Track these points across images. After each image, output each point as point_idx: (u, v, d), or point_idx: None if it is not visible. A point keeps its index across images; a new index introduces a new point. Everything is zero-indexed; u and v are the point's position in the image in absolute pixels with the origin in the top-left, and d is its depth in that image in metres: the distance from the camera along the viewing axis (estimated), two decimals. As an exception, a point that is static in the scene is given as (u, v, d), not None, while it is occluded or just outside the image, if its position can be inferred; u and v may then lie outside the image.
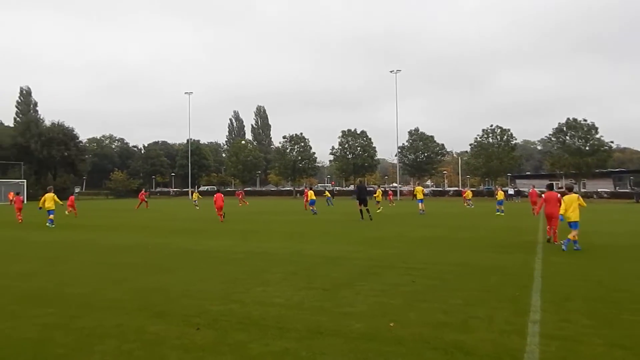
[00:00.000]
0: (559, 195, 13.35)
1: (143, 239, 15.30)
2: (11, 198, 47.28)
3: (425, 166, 79.09)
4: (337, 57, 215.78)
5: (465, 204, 40.14)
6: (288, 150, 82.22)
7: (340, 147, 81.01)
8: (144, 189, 50.29)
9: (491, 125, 72.77)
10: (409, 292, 7.28)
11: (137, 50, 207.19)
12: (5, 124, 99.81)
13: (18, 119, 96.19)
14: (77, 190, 67.92)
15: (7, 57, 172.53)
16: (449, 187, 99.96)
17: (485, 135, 73.31)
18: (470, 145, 76.79)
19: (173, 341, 5.04)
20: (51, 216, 21.07)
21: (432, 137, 79.43)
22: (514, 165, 74.44)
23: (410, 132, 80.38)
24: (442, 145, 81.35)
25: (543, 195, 14.35)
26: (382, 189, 41.73)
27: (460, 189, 79.18)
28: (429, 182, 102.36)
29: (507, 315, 5.96)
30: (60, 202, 23.15)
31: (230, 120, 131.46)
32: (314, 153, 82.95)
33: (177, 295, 7.14)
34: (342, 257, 10.94)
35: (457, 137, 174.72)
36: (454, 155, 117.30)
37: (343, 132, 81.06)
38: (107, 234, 17.03)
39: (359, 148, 79.99)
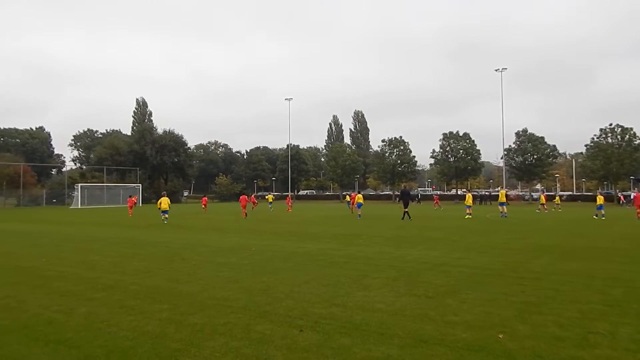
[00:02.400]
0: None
1: (247, 240, 15.98)
2: (135, 201, 52.42)
3: (535, 169, 74.04)
4: (434, 58, 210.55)
5: (538, 209, 39.49)
6: (387, 154, 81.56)
7: (441, 150, 78.72)
8: (252, 194, 53.00)
9: (610, 124, 66.39)
10: (519, 302, 6.83)
11: (238, 61, 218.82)
12: (124, 133, 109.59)
13: (135, 127, 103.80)
14: (185, 193, 72.84)
15: (126, 74, 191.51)
16: (561, 191, 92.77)
17: (604, 135, 67.00)
18: (586, 146, 70.68)
19: (278, 341, 5.18)
20: (166, 215, 26.65)
21: (542, 138, 74.20)
22: (638, 167, 67.16)
23: (517, 134, 75.78)
24: (554, 146, 75.65)
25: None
26: (472, 193, 40.60)
27: (572, 193, 73.22)
28: (538, 186, 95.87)
29: (632, 332, 5.39)
30: (165, 207, 27.21)
31: (330, 125, 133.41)
32: (414, 157, 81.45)
33: (281, 296, 7.34)
34: (446, 263, 10.56)
35: (570, 137, 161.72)
36: (568, 157, 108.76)
37: (444, 134, 78.70)
38: (215, 236, 18.03)
39: (461, 151, 77.11)
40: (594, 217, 29.07)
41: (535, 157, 73.67)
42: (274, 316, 6.19)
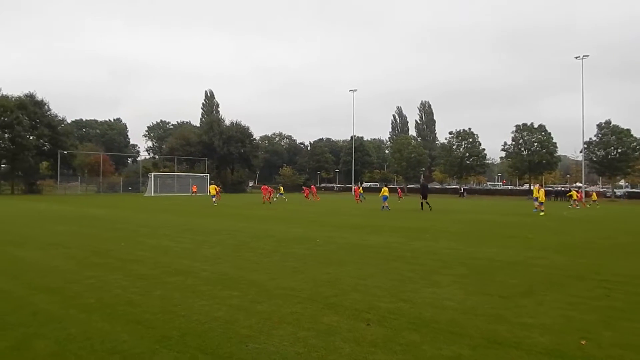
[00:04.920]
0: None
1: (311, 231, 16.08)
2: (194, 190, 54.70)
3: (618, 164, 68.87)
4: (502, 48, 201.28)
5: (570, 205, 37.94)
6: (455, 147, 79.22)
7: (513, 143, 75.09)
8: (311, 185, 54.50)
9: None
10: (604, 307, 6.36)
11: (302, 56, 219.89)
12: (194, 124, 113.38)
13: (203, 119, 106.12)
14: (250, 183, 74.54)
15: (196, 69, 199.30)
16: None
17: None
18: (679, 139, 64.94)
19: (345, 334, 5.13)
20: (214, 199, 34.90)
21: (627, 130, 68.84)
22: None
23: (599, 126, 70.86)
24: (642, 139, 69.87)
25: None
26: (545, 189, 39.54)
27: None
28: (622, 182, 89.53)
29: None
30: (213, 193, 35.93)
31: (394, 116, 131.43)
32: (484, 149, 78.46)
33: (347, 288, 7.29)
34: (520, 262, 10.04)
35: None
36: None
37: (517, 126, 75.00)
38: (279, 226, 18.28)
39: (535, 143, 73.16)
40: None
41: (619, 151, 68.59)
42: (340, 308, 6.15)
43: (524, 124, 74.71)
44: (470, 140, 77.92)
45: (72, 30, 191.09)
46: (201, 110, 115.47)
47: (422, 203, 30.00)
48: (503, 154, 79.24)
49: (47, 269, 8.84)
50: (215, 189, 36.29)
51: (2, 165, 63.57)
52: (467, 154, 77.56)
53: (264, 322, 5.54)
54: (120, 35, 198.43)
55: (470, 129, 78.45)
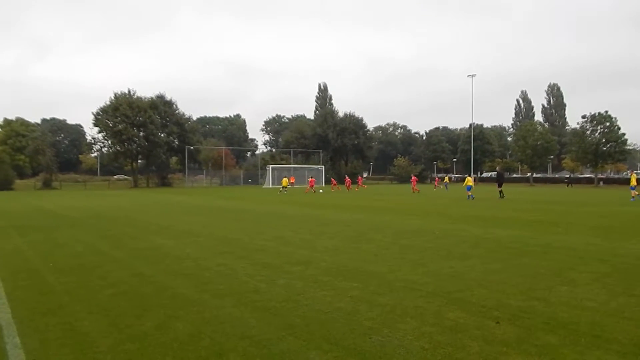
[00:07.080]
0: None
1: (429, 223, 15.65)
2: (292, 181, 56.51)
3: None
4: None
5: None
6: (588, 132, 71.78)
7: (659, 126, 66.03)
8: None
9: None
10: None
11: (414, 45, 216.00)
12: (308, 117, 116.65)
13: (317, 112, 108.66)
14: (365, 175, 74.90)
15: (309, 64, 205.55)
16: None
17: None
18: None
19: (473, 331, 4.89)
20: (284, 191, 39.90)
21: None
22: None
23: None
24: None
25: None
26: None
27: None
28: None
29: None
30: (284, 184, 43.06)
31: (517, 101, 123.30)
32: (624, 134, 69.94)
33: (472, 284, 6.95)
34: (673, 260, 8.80)
35: None
36: None
37: (663, 107, 65.86)
38: (396, 217, 18.06)
39: (688, 126, 63.56)
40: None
41: None
42: (466, 304, 5.88)
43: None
44: (608, 124, 69.89)
45: (193, 35, 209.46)
46: (315, 104, 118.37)
47: (500, 191, 30.72)
48: (647, 138, 70.01)
49: (182, 256, 9.65)
50: (286, 181, 43.82)
51: (139, 161, 71.22)
52: (604, 140, 69.74)
53: (386, 314, 5.48)
54: (237, 37, 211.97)
55: (607, 111, 70.39)
